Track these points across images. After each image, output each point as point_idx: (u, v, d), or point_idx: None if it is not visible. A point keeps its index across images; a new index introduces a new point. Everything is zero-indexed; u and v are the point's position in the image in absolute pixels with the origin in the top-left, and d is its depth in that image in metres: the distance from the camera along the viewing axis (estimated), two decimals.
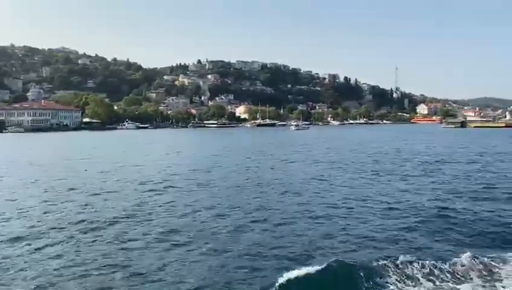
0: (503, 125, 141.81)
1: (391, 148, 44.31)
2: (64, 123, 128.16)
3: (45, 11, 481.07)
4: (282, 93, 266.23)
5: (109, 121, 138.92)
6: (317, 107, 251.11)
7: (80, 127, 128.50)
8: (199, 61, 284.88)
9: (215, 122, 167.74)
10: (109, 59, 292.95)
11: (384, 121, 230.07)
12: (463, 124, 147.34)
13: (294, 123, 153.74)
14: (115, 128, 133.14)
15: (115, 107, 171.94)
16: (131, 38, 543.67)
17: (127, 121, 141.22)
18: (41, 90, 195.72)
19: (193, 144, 61.17)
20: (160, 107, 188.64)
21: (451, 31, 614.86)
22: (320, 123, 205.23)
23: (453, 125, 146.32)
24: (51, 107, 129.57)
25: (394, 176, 22.92)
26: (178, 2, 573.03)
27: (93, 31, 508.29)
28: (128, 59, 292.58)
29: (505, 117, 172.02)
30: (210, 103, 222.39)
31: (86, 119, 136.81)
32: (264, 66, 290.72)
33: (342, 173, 24.25)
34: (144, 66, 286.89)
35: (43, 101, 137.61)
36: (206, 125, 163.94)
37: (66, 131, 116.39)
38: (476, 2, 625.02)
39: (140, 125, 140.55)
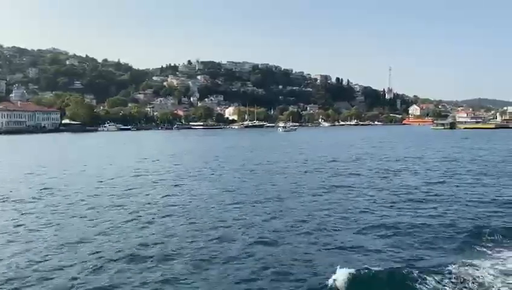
0: (493, 126, 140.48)
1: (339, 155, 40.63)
2: (42, 125, 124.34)
3: (39, 11, 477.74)
4: (273, 94, 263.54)
5: (90, 123, 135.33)
6: (308, 108, 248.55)
7: (58, 129, 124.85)
8: (189, 62, 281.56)
9: (201, 123, 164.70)
10: (100, 60, 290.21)
11: (376, 122, 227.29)
12: (452, 125, 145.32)
13: (282, 125, 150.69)
14: (96, 130, 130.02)
15: (101, 108, 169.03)
16: (126, 39, 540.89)
17: (108, 123, 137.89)
18: (25, 91, 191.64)
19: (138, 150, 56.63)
20: (146, 108, 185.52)
21: (446, 31, 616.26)
22: (309, 124, 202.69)
23: (442, 127, 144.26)
24: (28, 109, 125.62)
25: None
26: (175, 3, 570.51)
27: (87, 32, 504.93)
28: (119, 60, 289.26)
29: (496, 118, 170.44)
30: (199, 104, 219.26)
31: (66, 121, 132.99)
32: (255, 67, 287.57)
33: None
34: (138, 67, 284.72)
35: (19, 102, 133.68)
36: (192, 127, 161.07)
37: (43, 133, 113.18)
38: (472, 2, 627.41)
39: (122, 127, 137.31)
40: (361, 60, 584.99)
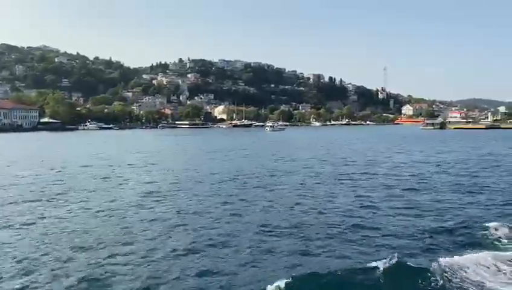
0: (484, 126, 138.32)
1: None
2: (19, 123, 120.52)
3: (39, 11, 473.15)
4: (265, 93, 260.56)
5: (71, 121, 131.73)
6: (300, 108, 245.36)
7: (36, 127, 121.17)
8: (180, 60, 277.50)
9: (187, 122, 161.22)
10: (91, 58, 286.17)
11: (368, 122, 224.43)
12: (442, 125, 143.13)
13: (270, 124, 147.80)
14: (76, 129, 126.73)
15: (88, 106, 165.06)
16: (126, 39, 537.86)
17: (89, 121, 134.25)
18: (8, 89, 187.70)
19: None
20: (133, 107, 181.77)
21: (446, 31, 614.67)
22: (299, 124, 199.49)
23: (431, 127, 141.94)
24: (4, 106, 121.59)
25: None
26: (175, 3, 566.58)
27: (86, 32, 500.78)
28: (110, 58, 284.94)
29: (487, 118, 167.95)
30: (189, 103, 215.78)
31: (45, 119, 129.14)
32: (247, 66, 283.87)
33: None
34: (132, 66, 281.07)
35: None
36: (178, 126, 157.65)
37: (19, 132, 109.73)
38: (472, 2, 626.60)
39: (104, 126, 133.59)
40: (359, 60, 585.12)
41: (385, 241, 10.91)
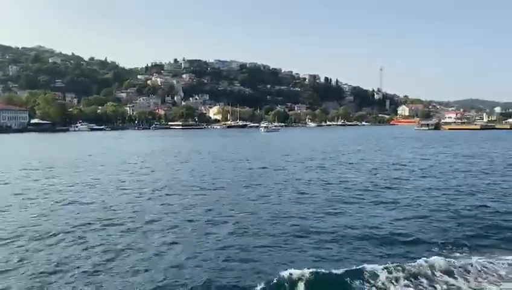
0: (479, 127, 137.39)
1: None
2: (8, 124, 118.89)
3: (32, 10, 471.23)
4: (261, 93, 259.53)
5: (62, 122, 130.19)
6: (296, 108, 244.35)
7: (25, 128, 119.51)
8: (175, 60, 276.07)
9: (180, 123, 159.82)
10: (88, 58, 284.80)
11: (363, 123, 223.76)
12: (437, 126, 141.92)
13: (264, 125, 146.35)
14: (67, 130, 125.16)
15: (80, 106, 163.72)
16: (126, 39, 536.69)
17: (79, 122, 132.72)
18: (0, 90, 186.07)
19: None
20: (126, 107, 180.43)
21: (442, 31, 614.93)
22: (294, 125, 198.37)
23: (426, 128, 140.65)
24: None
25: None
26: (171, 3, 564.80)
27: (83, 31, 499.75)
28: (106, 58, 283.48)
29: (483, 119, 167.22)
30: (183, 103, 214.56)
31: (36, 120, 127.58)
32: (242, 66, 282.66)
33: None
34: (129, 67, 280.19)
35: None
36: (171, 127, 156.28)
37: (7, 133, 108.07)
38: (469, 2, 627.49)
39: (95, 127, 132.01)
40: (359, 60, 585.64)
41: (316, 251, 10.14)
